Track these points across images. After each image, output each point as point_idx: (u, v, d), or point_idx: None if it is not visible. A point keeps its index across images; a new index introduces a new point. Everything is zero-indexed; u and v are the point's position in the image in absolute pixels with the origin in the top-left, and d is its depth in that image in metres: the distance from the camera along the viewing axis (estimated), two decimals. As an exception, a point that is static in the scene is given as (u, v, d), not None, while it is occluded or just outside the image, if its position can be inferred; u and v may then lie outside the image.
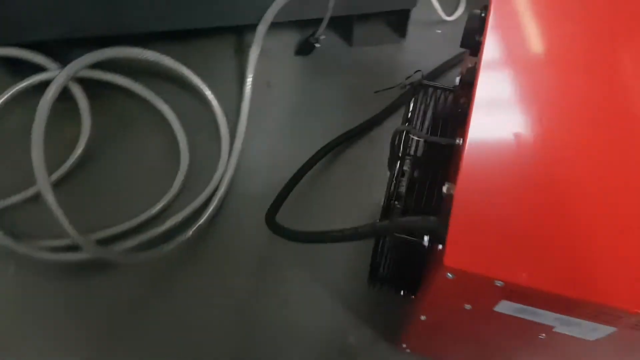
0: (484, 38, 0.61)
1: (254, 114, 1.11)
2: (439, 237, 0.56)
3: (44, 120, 0.79)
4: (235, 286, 0.97)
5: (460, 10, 1.23)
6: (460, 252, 0.50)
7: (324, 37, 1.16)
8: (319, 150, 1.05)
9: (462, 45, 0.68)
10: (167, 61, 1.05)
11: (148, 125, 1.12)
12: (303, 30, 1.19)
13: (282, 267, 0.99)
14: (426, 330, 0.73)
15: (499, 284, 0.50)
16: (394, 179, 0.69)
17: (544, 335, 0.60)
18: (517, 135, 0.56)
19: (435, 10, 1.22)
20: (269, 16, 1.05)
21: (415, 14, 1.16)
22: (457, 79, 0.75)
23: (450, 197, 0.57)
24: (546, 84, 0.59)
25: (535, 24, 0.63)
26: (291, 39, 1.21)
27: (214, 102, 1.09)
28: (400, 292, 0.78)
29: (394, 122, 1.12)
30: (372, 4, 1.08)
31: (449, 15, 1.22)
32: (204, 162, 1.08)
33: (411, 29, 1.18)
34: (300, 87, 1.17)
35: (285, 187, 0.95)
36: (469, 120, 0.57)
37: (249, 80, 1.10)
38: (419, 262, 0.71)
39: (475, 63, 0.63)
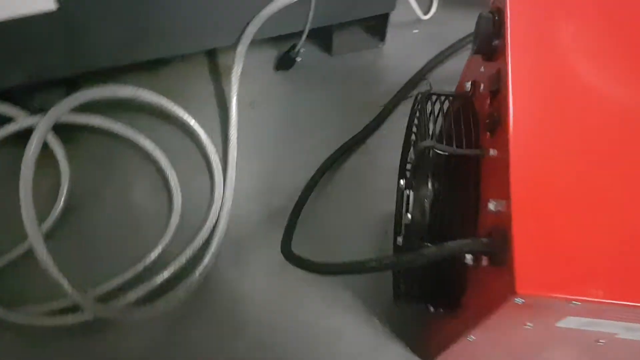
0: (507, 42, 0.59)
1: (242, 137, 1.05)
2: (497, 259, 0.53)
3: (30, 180, 0.72)
4: (248, 323, 0.92)
5: (434, 8, 1.21)
6: (531, 275, 0.48)
7: (304, 49, 1.12)
8: (317, 171, 1.01)
9: (477, 52, 0.65)
10: (146, 95, 0.98)
11: (131, 164, 1.05)
12: (281, 45, 1.15)
13: (299, 292, 0.94)
14: (472, 349, 0.70)
15: (574, 305, 0.48)
16: (422, 199, 0.66)
17: (604, 341, 0.59)
18: (566, 141, 0.54)
19: (410, 10, 1.20)
20: (247, 37, 1.00)
21: (392, 16, 1.13)
22: (468, 85, 0.72)
23: (500, 214, 0.54)
24: (587, 83, 0.57)
25: (560, 22, 0.61)
26: (270, 54, 1.16)
27: (201, 132, 1.03)
28: (428, 308, 0.76)
29: (387, 130, 1.09)
30: (352, 12, 1.04)
31: (425, 14, 1.20)
32: (197, 195, 1.02)
33: (389, 31, 1.16)
34: (285, 103, 1.13)
35: (293, 215, 0.91)
36: (509, 130, 0.54)
37: (234, 103, 1.04)
38: (447, 276, 0.68)
39: (498, 69, 0.61)
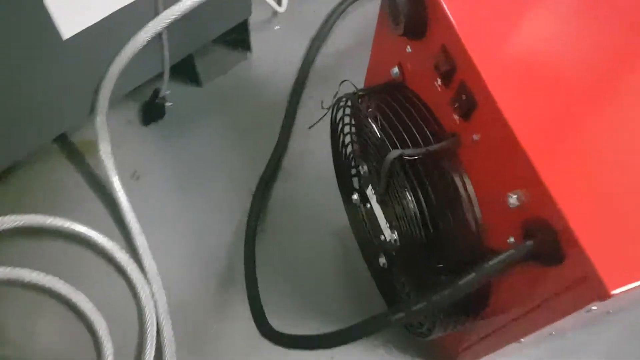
0: (446, 14, 0.49)
1: (142, 216, 0.87)
2: (549, 259, 0.45)
3: None
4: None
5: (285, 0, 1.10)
6: (613, 269, 0.40)
7: (169, 91, 0.95)
8: (250, 216, 0.87)
9: (405, 33, 0.55)
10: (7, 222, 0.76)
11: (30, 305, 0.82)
12: (141, 94, 0.96)
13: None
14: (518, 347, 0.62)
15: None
16: (410, 213, 0.55)
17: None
18: (558, 104, 0.47)
19: (265, 9, 1.07)
20: (103, 103, 0.81)
21: (252, 19, 0.99)
22: (395, 71, 0.63)
23: (530, 207, 0.46)
24: (547, 37, 0.50)
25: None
26: (132, 110, 0.97)
27: (93, 236, 0.83)
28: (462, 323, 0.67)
29: (298, 146, 0.97)
30: (210, 31, 0.89)
31: (279, 6, 1.08)
32: (121, 305, 0.83)
33: (252, 38, 1.02)
34: (172, 158, 0.95)
35: (251, 289, 0.76)
36: (498, 107, 0.45)
37: (116, 184, 0.85)
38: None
39: (441, 46, 0.51)
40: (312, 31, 1.08)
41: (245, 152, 0.96)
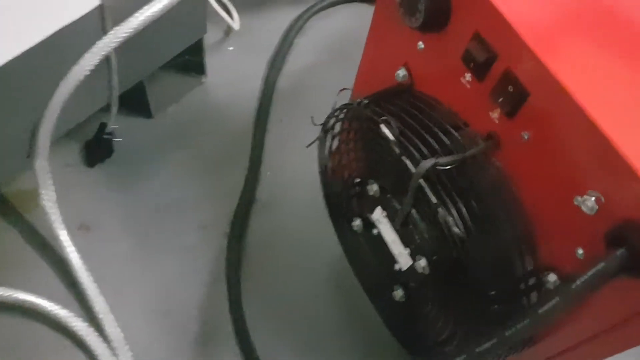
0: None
1: (98, 275, 0.73)
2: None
3: None
4: None
5: (235, 16, 1.00)
6: None
7: (116, 125, 0.82)
8: (228, 268, 0.75)
9: (429, 27, 0.47)
10: None
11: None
12: (80, 132, 0.83)
13: None
14: None
15: None
16: (451, 233, 0.47)
17: None
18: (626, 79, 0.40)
19: (217, 29, 0.98)
20: (44, 145, 0.67)
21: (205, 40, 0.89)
22: (401, 74, 0.55)
23: (604, 210, 0.39)
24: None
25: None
26: (71, 150, 0.83)
27: (40, 304, 0.68)
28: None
29: (270, 170, 0.87)
30: (162, 54, 0.78)
31: (233, 21, 0.99)
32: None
33: (205, 60, 0.92)
34: (126, 203, 0.82)
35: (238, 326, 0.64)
36: (572, 95, 0.38)
37: (64, 239, 0.71)
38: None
39: (474, 32, 0.44)
40: (268, 50, 0.99)
41: (211, 188, 0.84)
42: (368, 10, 1.08)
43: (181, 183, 0.84)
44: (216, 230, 0.80)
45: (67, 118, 0.69)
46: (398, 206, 0.55)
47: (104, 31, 0.65)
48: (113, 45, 0.65)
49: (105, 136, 0.80)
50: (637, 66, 0.41)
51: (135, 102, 0.85)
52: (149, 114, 0.88)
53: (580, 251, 0.43)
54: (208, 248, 0.79)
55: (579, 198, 0.40)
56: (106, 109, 0.76)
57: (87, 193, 0.82)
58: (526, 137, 0.44)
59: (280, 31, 1.01)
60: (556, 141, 0.41)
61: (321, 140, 0.64)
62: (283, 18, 1.02)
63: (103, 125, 0.80)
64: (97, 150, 0.82)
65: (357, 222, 0.65)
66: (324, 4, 1.04)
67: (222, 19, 0.96)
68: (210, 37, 0.98)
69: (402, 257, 0.59)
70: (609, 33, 0.43)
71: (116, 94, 0.74)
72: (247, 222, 0.81)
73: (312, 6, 1.03)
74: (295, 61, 0.98)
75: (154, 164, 0.85)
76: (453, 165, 0.47)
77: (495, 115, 0.46)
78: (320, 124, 0.61)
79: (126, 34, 0.66)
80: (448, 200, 0.47)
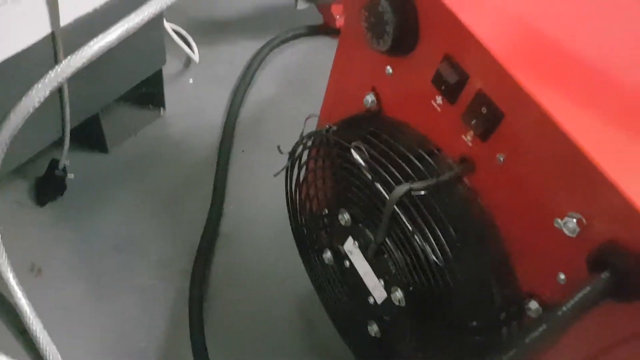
0: (454, 13, 0.41)
1: (51, 327, 0.67)
2: (628, 294, 0.36)
3: None
4: None
5: (195, 47, 0.98)
6: None
7: (69, 161, 0.77)
8: (191, 309, 0.70)
9: (397, 50, 0.46)
10: None
11: None
12: (31, 169, 0.78)
13: None
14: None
15: None
16: (427, 262, 0.45)
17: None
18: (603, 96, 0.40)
19: (176, 61, 0.96)
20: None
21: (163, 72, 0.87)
22: (369, 100, 0.53)
23: (587, 232, 0.37)
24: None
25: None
26: (21, 188, 0.78)
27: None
28: None
29: (233, 203, 0.84)
30: (119, 85, 0.75)
31: (194, 53, 0.97)
32: None
33: (165, 92, 0.89)
34: (79, 243, 0.77)
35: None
36: (551, 115, 0.37)
37: (13, 283, 0.65)
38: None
39: (444, 55, 0.43)
40: (229, 83, 0.97)
41: (171, 224, 0.80)
42: (329, 43, 1.09)
43: (138, 220, 0.80)
44: (177, 267, 0.76)
45: (16, 153, 0.64)
46: (371, 236, 0.53)
47: (56, 60, 0.62)
48: (65, 75, 0.62)
49: (57, 172, 0.76)
50: (612, 81, 0.41)
51: (89, 136, 0.81)
52: (104, 149, 0.84)
53: (562, 276, 0.41)
54: (168, 287, 0.75)
55: (559, 220, 0.39)
56: (58, 143, 0.72)
57: (38, 233, 0.76)
58: (501, 159, 0.42)
59: (241, 63, 1.00)
60: (533, 162, 0.40)
61: (289, 169, 0.62)
62: (243, 50, 1.01)
63: (55, 162, 0.75)
64: (49, 187, 0.77)
65: (327, 255, 0.62)
66: (285, 37, 1.04)
67: (181, 50, 0.94)
68: (170, 69, 0.95)
69: (377, 290, 0.56)
70: (582, 49, 0.42)
71: (69, 127, 0.70)
72: (210, 258, 0.77)
73: (274, 39, 1.03)
74: (257, 93, 0.97)
75: (109, 201, 0.81)
76: (428, 190, 0.45)
77: (468, 138, 0.45)
78: (287, 153, 0.59)
79: (79, 64, 0.62)
80: (424, 227, 0.45)
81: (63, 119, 0.69)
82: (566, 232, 0.38)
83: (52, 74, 0.60)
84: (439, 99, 0.46)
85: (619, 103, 0.40)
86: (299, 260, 0.68)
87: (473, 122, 0.43)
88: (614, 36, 0.44)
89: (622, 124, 0.38)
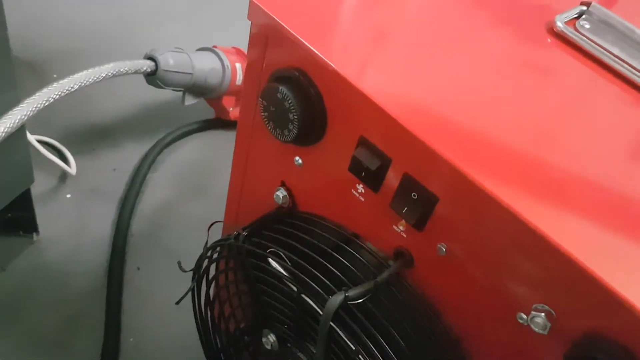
0: (359, 99, 0.36)
1: None
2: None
3: None
4: None
5: (71, 159, 0.87)
6: None
7: None
8: None
9: (305, 138, 0.40)
10: None
11: None
12: None
13: None
14: None
15: None
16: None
17: None
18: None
19: (48, 173, 0.83)
20: None
21: (34, 191, 0.74)
22: (280, 196, 0.46)
23: (565, 325, 0.32)
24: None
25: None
26: None
27: None
28: None
29: (132, 336, 0.70)
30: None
31: (69, 167, 0.85)
32: None
33: (37, 213, 0.76)
34: None
35: None
36: (495, 196, 0.32)
37: None
38: None
39: (358, 137, 0.38)
40: (114, 192, 0.86)
41: None
42: (222, 137, 1.03)
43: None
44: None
45: None
46: (304, 358, 0.44)
47: None
48: None
49: None
50: (542, 141, 0.37)
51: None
52: (-38, 292, 0.68)
53: (536, 375, 0.35)
54: None
55: (524, 316, 0.33)
56: None
57: None
58: (444, 249, 0.37)
59: (128, 169, 0.90)
60: (481, 250, 0.35)
61: (194, 290, 0.52)
62: (129, 154, 0.91)
63: None
64: None
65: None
66: (175, 134, 0.96)
67: (54, 164, 0.82)
68: (41, 185, 0.82)
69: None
70: (503, 118, 0.39)
71: None
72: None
73: (163, 138, 0.94)
74: (149, 200, 0.86)
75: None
76: (366, 297, 0.38)
77: (401, 228, 0.39)
78: (191, 270, 0.50)
79: None
80: (369, 343, 0.37)
81: None
82: (535, 328, 0.33)
83: None
84: (360, 188, 0.40)
85: (566, 166, 0.36)
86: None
87: (404, 210, 0.37)
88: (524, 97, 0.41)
89: (570, 188, 0.34)
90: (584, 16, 0.46)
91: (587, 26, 0.45)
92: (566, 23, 0.45)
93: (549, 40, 0.46)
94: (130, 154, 0.92)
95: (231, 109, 0.99)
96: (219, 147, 0.98)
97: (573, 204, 0.33)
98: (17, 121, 0.58)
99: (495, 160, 0.34)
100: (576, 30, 0.45)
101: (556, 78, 0.43)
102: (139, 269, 0.77)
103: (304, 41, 0.38)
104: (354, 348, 0.37)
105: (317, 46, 0.38)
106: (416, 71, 0.40)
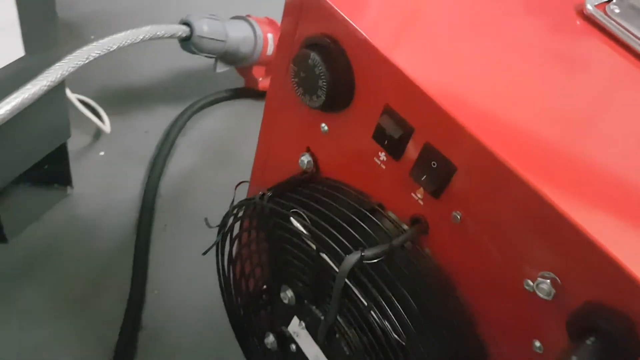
0: (392, 61, 0.38)
1: None
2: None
3: None
4: None
5: (105, 118, 0.90)
6: None
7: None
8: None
9: (332, 105, 0.42)
10: None
11: None
12: None
13: None
14: None
15: None
16: (388, 339, 0.39)
17: None
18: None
19: (84, 130, 0.87)
20: None
21: (70, 146, 0.78)
22: (305, 161, 0.48)
23: (563, 294, 0.34)
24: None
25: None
26: None
27: None
28: None
29: (158, 289, 0.74)
30: (15, 165, 0.65)
31: (104, 124, 0.89)
32: None
33: (71, 168, 0.80)
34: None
35: None
36: (510, 166, 0.33)
37: None
38: None
39: (385, 105, 0.39)
40: (145, 153, 0.89)
41: (84, 326, 0.69)
42: (251, 106, 1.05)
43: (42, 324, 0.68)
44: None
45: None
46: (320, 314, 0.47)
47: None
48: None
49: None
50: (572, 125, 0.39)
51: (-19, 224, 0.70)
52: (2, 238, 0.72)
53: (537, 344, 0.37)
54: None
55: (530, 282, 0.35)
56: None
57: None
58: (458, 217, 0.38)
59: (158, 132, 0.93)
60: (494, 219, 0.36)
61: (219, 245, 0.55)
62: (160, 118, 0.94)
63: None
64: None
65: (270, 339, 0.55)
66: (205, 102, 0.98)
67: (90, 122, 0.86)
68: (77, 142, 0.86)
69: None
70: (531, 90, 0.40)
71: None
72: (131, 357, 0.67)
73: (193, 104, 0.97)
74: (178, 163, 0.90)
75: (5, 303, 0.69)
76: (381, 258, 0.40)
77: (419, 196, 0.40)
78: (216, 226, 0.53)
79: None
80: (382, 301, 0.39)
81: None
82: (540, 294, 0.34)
83: None
84: (383, 156, 0.42)
85: (582, 148, 0.37)
86: (238, 349, 0.60)
87: (423, 178, 0.39)
88: (565, 79, 0.42)
89: (587, 169, 0.36)
90: (614, 1, 0.46)
91: (617, 11, 0.46)
92: (596, 6, 0.46)
93: (577, 22, 0.46)
94: (161, 118, 0.95)
95: (260, 79, 1.00)
96: (247, 116, 1.00)
97: (592, 185, 0.35)
98: (58, 76, 0.61)
99: (516, 135, 0.36)
100: (605, 14, 0.46)
101: (583, 62, 0.44)
102: (166, 226, 0.80)
103: (338, 9, 0.40)
104: (366, 305, 0.39)
105: (350, 15, 0.39)
106: (445, 48, 0.41)
